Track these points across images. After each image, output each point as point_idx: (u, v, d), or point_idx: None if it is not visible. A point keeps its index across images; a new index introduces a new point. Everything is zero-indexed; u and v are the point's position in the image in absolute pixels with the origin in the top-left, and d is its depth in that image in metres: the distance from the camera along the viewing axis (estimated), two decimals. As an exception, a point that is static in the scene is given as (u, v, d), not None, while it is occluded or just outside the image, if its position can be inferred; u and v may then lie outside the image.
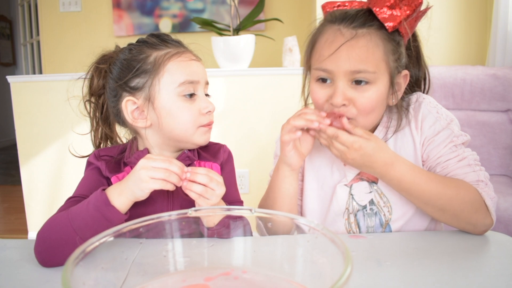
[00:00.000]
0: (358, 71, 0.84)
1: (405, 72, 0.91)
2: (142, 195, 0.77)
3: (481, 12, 2.57)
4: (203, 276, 0.58)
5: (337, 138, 0.81)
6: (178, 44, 0.95)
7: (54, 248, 0.73)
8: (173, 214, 0.59)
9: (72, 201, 0.87)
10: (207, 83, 0.95)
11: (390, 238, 0.84)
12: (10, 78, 2.50)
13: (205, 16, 3.20)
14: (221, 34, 2.51)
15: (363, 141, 0.82)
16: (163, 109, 0.88)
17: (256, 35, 2.48)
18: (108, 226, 0.71)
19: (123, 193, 0.77)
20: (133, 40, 0.96)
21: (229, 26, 2.55)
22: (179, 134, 0.91)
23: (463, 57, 2.60)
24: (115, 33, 3.28)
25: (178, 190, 0.92)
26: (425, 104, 0.94)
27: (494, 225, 0.85)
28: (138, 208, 0.86)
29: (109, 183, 0.91)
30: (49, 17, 3.34)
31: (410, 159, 0.93)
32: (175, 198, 0.92)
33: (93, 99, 1.01)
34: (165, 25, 3.27)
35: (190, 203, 0.91)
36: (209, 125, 0.93)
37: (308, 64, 0.95)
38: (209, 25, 2.55)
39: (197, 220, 0.64)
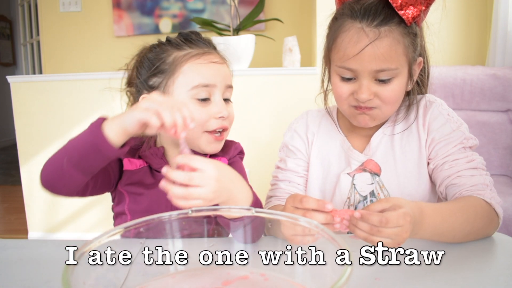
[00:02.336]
0: (382, 70, 0.86)
1: (420, 59, 0.94)
2: (130, 123, 0.71)
3: (481, 12, 2.57)
4: (221, 279, 0.58)
5: (387, 224, 0.63)
6: (205, 44, 0.93)
7: (47, 171, 0.78)
8: (174, 214, 0.59)
9: None
10: (228, 87, 0.92)
11: (390, 238, 0.84)
12: (10, 78, 2.50)
13: (205, 16, 3.20)
14: (221, 34, 2.51)
15: (405, 208, 0.65)
16: None
17: (256, 35, 2.48)
18: (89, 146, 0.72)
19: (116, 118, 0.72)
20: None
21: (229, 26, 2.55)
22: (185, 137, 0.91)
23: (463, 57, 2.60)
24: (115, 33, 3.27)
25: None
26: (436, 105, 0.96)
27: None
28: (139, 203, 0.88)
29: (121, 165, 0.93)
30: (49, 17, 3.34)
31: (415, 156, 0.95)
32: None
33: (130, 90, 1.00)
34: (165, 25, 3.27)
35: None
36: (218, 132, 0.91)
37: (327, 56, 0.96)
38: (209, 25, 2.55)
39: (199, 219, 0.64)
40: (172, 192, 0.67)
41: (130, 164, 0.93)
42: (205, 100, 0.88)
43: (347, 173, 0.99)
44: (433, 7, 0.92)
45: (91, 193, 0.88)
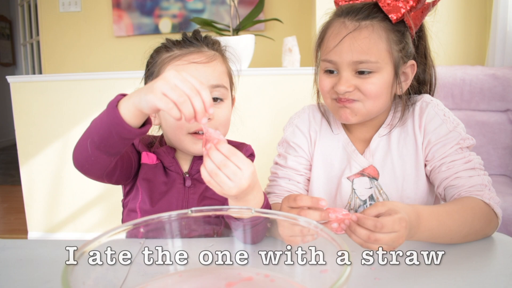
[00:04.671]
0: (361, 62, 0.87)
1: (412, 62, 0.93)
2: (146, 107, 0.66)
3: (481, 12, 2.58)
4: (225, 280, 0.58)
5: (382, 229, 0.63)
6: (196, 43, 0.92)
7: (76, 153, 0.76)
8: (173, 214, 0.59)
9: None
10: (216, 87, 0.89)
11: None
12: (10, 78, 2.50)
13: (205, 16, 3.20)
14: (221, 34, 2.51)
15: (401, 214, 0.66)
16: (160, 113, 0.90)
17: (255, 35, 2.48)
18: (107, 128, 0.70)
19: (132, 97, 0.69)
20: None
21: (228, 26, 2.55)
22: (171, 138, 0.92)
23: (462, 57, 2.61)
24: (115, 33, 3.27)
25: (195, 184, 0.93)
26: (432, 106, 0.95)
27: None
28: (151, 203, 0.88)
29: (140, 158, 0.93)
30: (49, 17, 3.34)
31: (411, 157, 0.95)
32: (190, 194, 0.92)
33: None
34: (165, 25, 3.27)
35: (207, 200, 0.92)
36: (200, 133, 0.88)
37: (317, 56, 0.99)
38: (208, 25, 2.55)
39: (198, 219, 0.64)
40: (206, 165, 0.65)
41: (148, 158, 0.93)
42: None
43: (347, 177, 0.98)
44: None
45: (118, 179, 0.88)
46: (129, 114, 0.69)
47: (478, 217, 0.79)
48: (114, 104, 0.70)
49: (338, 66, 0.90)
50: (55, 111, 2.50)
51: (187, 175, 0.94)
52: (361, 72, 0.88)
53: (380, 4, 0.89)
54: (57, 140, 2.51)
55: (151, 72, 0.92)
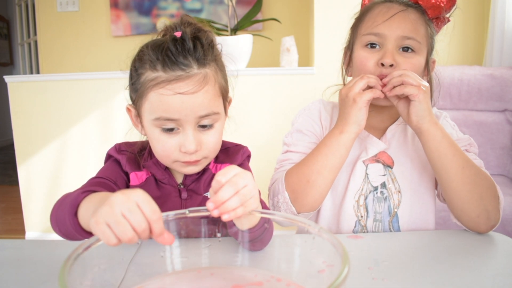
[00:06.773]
0: (408, 38, 0.92)
1: (434, 59, 1.01)
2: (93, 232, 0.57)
3: (479, 12, 2.58)
4: (230, 283, 0.57)
5: (408, 76, 0.85)
6: (181, 64, 0.78)
7: (55, 230, 0.75)
8: (171, 215, 0.59)
9: (94, 182, 0.82)
10: (203, 117, 0.80)
11: (387, 238, 0.84)
12: (7, 78, 2.49)
13: (203, 16, 3.19)
14: (218, 34, 2.51)
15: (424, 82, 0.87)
16: (146, 131, 0.84)
17: (253, 35, 2.48)
18: (71, 230, 0.70)
19: (87, 210, 0.67)
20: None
21: (226, 26, 2.55)
22: (159, 158, 0.86)
23: (460, 57, 2.61)
24: (112, 33, 3.27)
25: (192, 195, 0.89)
26: (443, 117, 1.02)
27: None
28: None
29: (128, 179, 0.88)
30: (47, 17, 3.33)
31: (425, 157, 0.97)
32: (187, 206, 0.88)
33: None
34: (163, 25, 3.26)
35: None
36: (189, 162, 0.82)
37: (352, 39, 1.01)
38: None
39: (215, 222, 0.63)
40: (229, 207, 0.57)
41: (137, 179, 0.88)
42: (172, 129, 0.80)
43: (362, 161, 0.98)
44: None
45: None
46: (87, 226, 0.68)
47: (485, 175, 0.86)
48: (73, 211, 0.69)
49: (384, 39, 0.92)
50: (53, 111, 2.49)
51: (182, 187, 0.89)
52: (404, 50, 0.92)
53: (420, 2, 0.94)
54: (54, 140, 2.50)
55: (134, 88, 0.83)
